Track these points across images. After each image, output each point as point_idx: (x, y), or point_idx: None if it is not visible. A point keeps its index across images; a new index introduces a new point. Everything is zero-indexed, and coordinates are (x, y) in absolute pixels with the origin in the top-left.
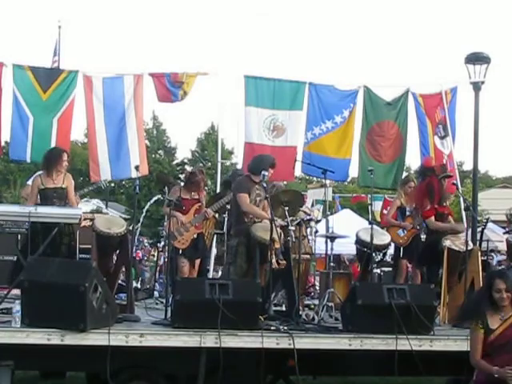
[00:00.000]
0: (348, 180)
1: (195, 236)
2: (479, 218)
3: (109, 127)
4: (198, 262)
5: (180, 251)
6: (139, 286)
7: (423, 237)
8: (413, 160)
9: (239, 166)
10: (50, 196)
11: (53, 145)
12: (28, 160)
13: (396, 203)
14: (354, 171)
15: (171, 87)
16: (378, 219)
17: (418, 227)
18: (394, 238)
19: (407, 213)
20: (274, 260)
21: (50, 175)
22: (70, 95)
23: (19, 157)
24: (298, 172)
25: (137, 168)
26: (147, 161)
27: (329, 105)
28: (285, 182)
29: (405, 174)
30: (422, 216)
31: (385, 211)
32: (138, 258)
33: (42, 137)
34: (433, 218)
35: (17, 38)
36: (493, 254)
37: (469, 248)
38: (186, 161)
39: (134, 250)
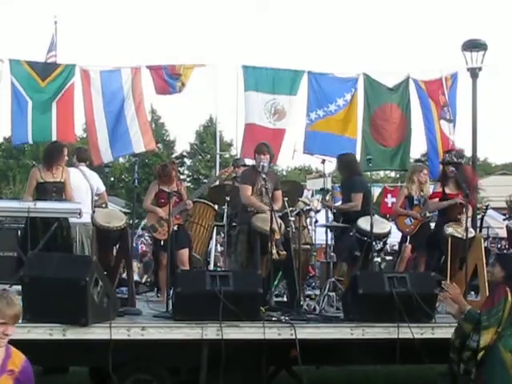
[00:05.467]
0: None
1: (175, 228)
2: (479, 205)
3: (108, 114)
4: (183, 252)
5: (162, 243)
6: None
7: (432, 225)
8: (418, 147)
9: (236, 157)
10: (49, 190)
11: (54, 126)
12: (30, 141)
13: (404, 192)
14: None
15: (169, 79)
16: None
17: (427, 216)
18: (401, 226)
19: (415, 202)
20: (274, 251)
21: (50, 169)
22: (69, 82)
23: (21, 140)
24: (297, 162)
25: (136, 155)
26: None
27: (329, 89)
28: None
29: (414, 162)
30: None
31: (386, 200)
32: (141, 252)
33: (42, 118)
34: (435, 199)
35: (13, 34)
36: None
37: (471, 235)
38: (185, 154)
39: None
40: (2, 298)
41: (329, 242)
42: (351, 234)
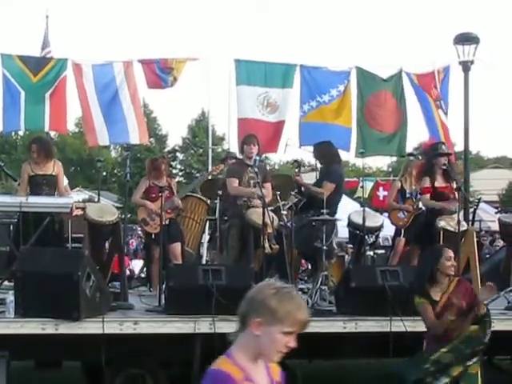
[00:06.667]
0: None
1: (167, 222)
2: (471, 199)
3: (102, 101)
4: (175, 246)
5: (153, 236)
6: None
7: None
8: (414, 140)
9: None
10: (39, 183)
11: (46, 117)
12: (22, 128)
13: (396, 186)
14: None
15: (161, 73)
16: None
17: (420, 208)
18: (395, 220)
19: (407, 195)
20: (266, 244)
21: (37, 162)
22: (61, 76)
23: (13, 128)
24: (291, 156)
25: (128, 149)
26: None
27: (322, 81)
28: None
29: (411, 158)
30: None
31: (378, 193)
32: (131, 247)
33: (35, 109)
34: (427, 195)
35: (4, 28)
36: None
37: (463, 228)
38: (177, 148)
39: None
40: (292, 297)
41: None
42: (314, 224)
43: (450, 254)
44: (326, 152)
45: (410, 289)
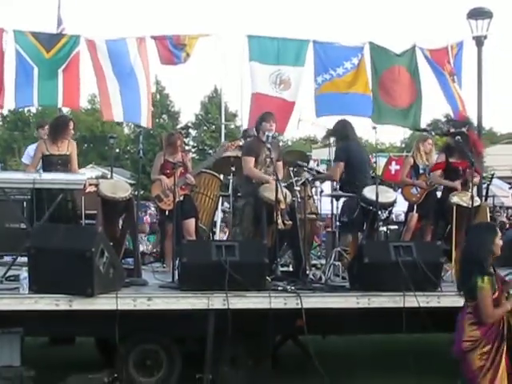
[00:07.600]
0: None
1: (181, 198)
2: (484, 175)
3: (118, 76)
4: (189, 222)
5: (166, 213)
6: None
7: (439, 194)
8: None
9: (243, 128)
10: (54, 162)
11: (60, 93)
12: (35, 104)
13: (409, 161)
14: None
15: (174, 49)
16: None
17: (433, 184)
18: (408, 196)
19: (420, 171)
20: (279, 220)
21: (56, 142)
22: (74, 51)
23: (25, 103)
24: (304, 132)
25: (140, 129)
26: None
27: (335, 55)
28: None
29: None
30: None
31: (390, 167)
32: (147, 224)
33: (48, 84)
34: (437, 172)
35: (16, 7)
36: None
37: (477, 204)
38: (189, 125)
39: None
40: None
41: (334, 212)
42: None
43: (499, 232)
44: (337, 130)
45: (471, 270)
